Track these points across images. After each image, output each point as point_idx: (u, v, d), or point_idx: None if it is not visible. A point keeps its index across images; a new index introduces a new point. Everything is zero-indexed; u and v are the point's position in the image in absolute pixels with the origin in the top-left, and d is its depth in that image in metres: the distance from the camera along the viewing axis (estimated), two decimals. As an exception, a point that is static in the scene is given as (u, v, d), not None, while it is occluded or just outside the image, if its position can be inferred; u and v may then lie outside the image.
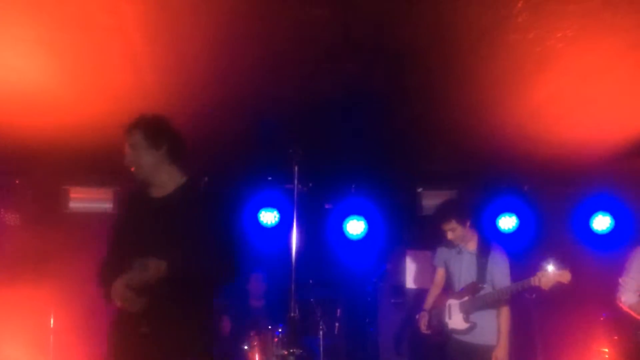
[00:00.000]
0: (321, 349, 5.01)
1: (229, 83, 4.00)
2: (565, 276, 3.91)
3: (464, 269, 4.44)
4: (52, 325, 5.64)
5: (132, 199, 3.01)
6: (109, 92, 4.11)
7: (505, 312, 4.25)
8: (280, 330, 4.91)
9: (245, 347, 4.98)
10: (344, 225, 6.36)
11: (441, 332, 4.51)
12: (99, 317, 5.66)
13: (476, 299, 4.31)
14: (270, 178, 6.07)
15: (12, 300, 5.27)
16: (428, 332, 4.60)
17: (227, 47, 3.48)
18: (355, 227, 6.34)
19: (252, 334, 4.98)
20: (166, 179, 2.84)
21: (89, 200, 6.17)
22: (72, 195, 6.07)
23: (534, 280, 3.97)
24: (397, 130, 4.94)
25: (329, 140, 5.09)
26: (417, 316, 4.72)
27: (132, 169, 2.83)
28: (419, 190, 6.16)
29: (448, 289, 4.60)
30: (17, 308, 5.27)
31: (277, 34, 3.33)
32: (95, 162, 5.55)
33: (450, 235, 4.40)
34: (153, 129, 2.84)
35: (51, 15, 3.07)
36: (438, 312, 4.57)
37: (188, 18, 3.15)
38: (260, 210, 6.30)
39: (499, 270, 4.27)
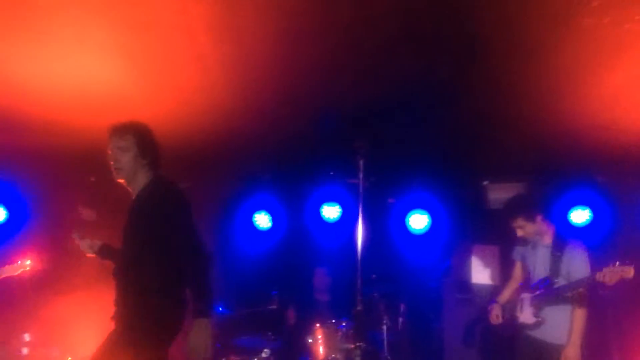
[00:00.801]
0: (385, 343, 4.99)
1: (292, 79, 4.03)
2: (628, 272, 3.73)
3: (539, 263, 4.31)
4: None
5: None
6: (176, 91, 4.23)
7: (579, 310, 4.08)
8: (344, 324, 4.92)
9: (310, 340, 5.03)
10: (406, 220, 6.29)
11: (512, 326, 4.41)
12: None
13: (547, 293, 4.17)
14: (332, 173, 6.08)
15: (88, 296, 5.52)
16: (498, 322, 4.51)
17: (289, 43, 3.51)
18: (418, 221, 6.26)
19: (316, 327, 5.02)
20: (142, 183, 3.14)
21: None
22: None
23: (599, 276, 3.80)
24: (462, 121, 4.82)
25: (392, 134, 5.03)
26: (488, 307, 4.63)
27: (114, 169, 3.11)
28: (485, 183, 6.00)
29: (524, 284, 4.50)
30: (94, 301, 5.51)
31: (338, 28, 3.32)
32: (165, 159, 5.73)
33: (520, 233, 4.30)
34: (144, 138, 3.13)
35: (123, 19, 3.19)
36: (511, 306, 4.50)
37: (251, 16, 3.19)
38: (323, 205, 6.33)
39: (576, 264, 4.10)
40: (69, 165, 5.79)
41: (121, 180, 3.15)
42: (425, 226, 6.24)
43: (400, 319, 5.29)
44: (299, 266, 6.17)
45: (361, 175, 3.04)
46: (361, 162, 3.05)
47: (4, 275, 4.29)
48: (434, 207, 6.25)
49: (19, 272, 4.39)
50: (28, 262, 4.48)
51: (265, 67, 3.85)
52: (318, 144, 5.38)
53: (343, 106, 4.46)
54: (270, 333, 5.26)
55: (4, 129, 4.86)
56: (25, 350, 5.20)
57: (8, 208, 6.07)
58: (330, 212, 6.31)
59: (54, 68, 3.80)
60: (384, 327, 5.01)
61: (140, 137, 3.11)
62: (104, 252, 3.39)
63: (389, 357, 4.94)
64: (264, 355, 5.10)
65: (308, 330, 5.12)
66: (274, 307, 5.43)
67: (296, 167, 6.12)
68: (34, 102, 4.30)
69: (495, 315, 4.55)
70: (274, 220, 6.48)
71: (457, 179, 6.16)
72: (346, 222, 6.23)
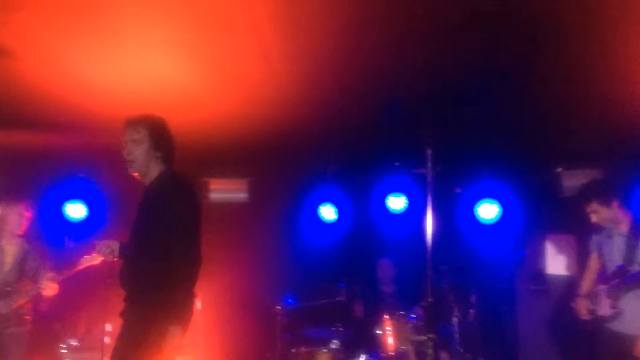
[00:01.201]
0: (457, 335, 4.90)
1: (356, 70, 4.01)
2: None
3: (615, 252, 4.11)
4: (199, 307, 6.06)
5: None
6: (241, 86, 4.31)
7: None
8: (413, 315, 4.87)
9: (379, 332, 5.01)
10: (475, 210, 6.15)
11: (591, 320, 4.22)
12: (238, 298, 6.10)
13: (624, 282, 3.96)
14: (397, 164, 6.02)
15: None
16: (588, 317, 4.29)
17: (352, 34, 3.48)
18: (488, 210, 6.10)
19: (385, 318, 5.00)
20: (154, 175, 3.10)
21: (226, 190, 6.55)
22: (212, 186, 6.46)
23: None
24: (534, 107, 4.64)
25: (460, 122, 4.92)
26: (572, 304, 4.43)
27: (127, 162, 3.09)
28: (559, 170, 5.77)
29: (601, 274, 4.29)
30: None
31: (401, 14, 3.26)
32: (231, 154, 5.87)
33: (594, 218, 4.11)
34: (158, 131, 3.10)
35: (190, 18, 3.27)
36: (589, 298, 4.28)
37: (315, 9, 3.19)
38: (388, 196, 6.28)
39: None
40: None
41: (135, 174, 3.14)
42: (496, 216, 6.07)
43: (472, 311, 5.18)
44: (365, 258, 6.17)
45: (429, 165, 2.98)
46: (429, 151, 3.00)
47: (84, 265, 4.52)
48: (504, 196, 6.07)
49: (97, 261, 4.62)
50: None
51: (329, 59, 3.84)
52: (383, 135, 5.33)
53: (409, 95, 4.40)
54: (338, 324, 5.28)
55: (82, 130, 5.11)
56: (107, 339, 5.46)
57: (88, 205, 6.39)
58: (396, 203, 6.25)
59: (125, 68, 3.95)
60: (455, 319, 4.92)
61: (154, 129, 3.09)
62: (125, 250, 3.21)
63: (461, 350, 4.85)
64: (332, 346, 5.14)
65: (376, 321, 5.11)
66: (342, 298, 5.45)
67: (361, 159, 6.10)
68: (108, 103, 4.49)
69: (584, 310, 4.28)
70: (339, 212, 6.49)
71: (528, 166, 5.95)
72: (412, 213, 6.16)
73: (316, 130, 5.23)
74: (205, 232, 6.00)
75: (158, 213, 2.95)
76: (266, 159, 6.10)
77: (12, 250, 4.46)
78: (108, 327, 5.59)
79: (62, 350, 5.21)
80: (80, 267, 4.50)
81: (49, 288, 4.35)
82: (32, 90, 4.20)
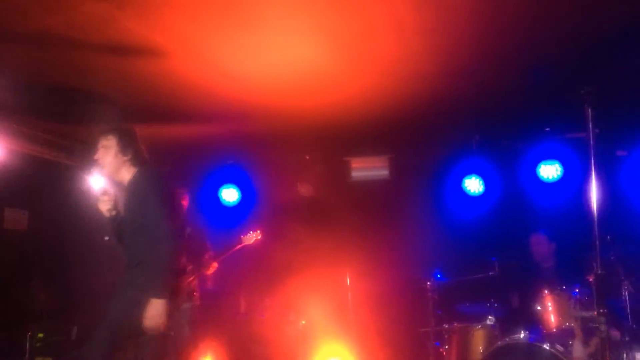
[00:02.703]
0: (628, 311, 4.47)
1: (496, 37, 3.78)
2: None
3: None
4: (348, 284, 6.21)
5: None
6: (377, 64, 4.27)
7: None
8: (577, 290, 4.53)
9: (539, 308, 4.74)
10: (644, 174, 5.55)
11: None
12: (388, 275, 6.13)
13: None
14: (548, 129, 5.61)
15: (314, 264, 5.94)
16: None
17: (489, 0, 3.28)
18: (657, 173, 5.47)
19: (544, 294, 4.71)
20: (125, 177, 3.43)
21: (368, 169, 6.59)
22: (354, 165, 6.54)
23: None
24: None
25: (620, 77, 4.44)
26: None
27: (99, 165, 3.44)
28: None
29: None
30: (319, 269, 5.91)
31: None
32: (371, 132, 5.88)
33: None
34: (126, 138, 3.42)
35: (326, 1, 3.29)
36: None
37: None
38: (540, 164, 5.89)
39: None
40: (287, 145, 6.25)
41: (106, 175, 3.51)
42: (667, 179, 5.43)
43: (643, 284, 4.69)
44: (516, 231, 5.84)
45: (591, 125, 2.71)
46: (589, 112, 2.71)
47: (241, 245, 4.82)
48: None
49: (252, 241, 4.90)
50: (258, 232, 4.96)
51: (466, 29, 3.67)
52: (531, 100, 4.99)
53: (561, 54, 4.05)
54: (493, 300, 5.09)
55: (231, 119, 5.42)
56: (266, 315, 5.81)
57: (240, 189, 6.80)
58: (549, 171, 5.84)
59: (266, 56, 4.09)
60: (625, 294, 4.49)
61: (121, 137, 3.42)
62: None
63: (633, 326, 4.43)
64: (488, 322, 4.97)
65: (534, 297, 4.83)
66: (495, 273, 5.23)
67: (507, 127, 5.77)
68: (252, 90, 4.70)
69: None
70: (486, 184, 6.22)
71: None
72: (568, 181, 5.71)
73: (456, 101, 5.04)
74: (349, 210, 6.19)
75: (141, 205, 3.31)
76: (406, 134, 6.02)
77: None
78: (266, 303, 5.97)
79: (229, 325, 5.63)
80: (237, 247, 4.81)
81: (211, 267, 4.70)
82: (183, 84, 4.52)
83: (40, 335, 5.46)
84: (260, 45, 3.89)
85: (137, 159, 3.45)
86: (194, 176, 6.68)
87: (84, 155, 5.85)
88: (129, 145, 3.42)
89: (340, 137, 6.02)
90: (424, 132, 6.00)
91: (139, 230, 3.29)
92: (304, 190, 6.65)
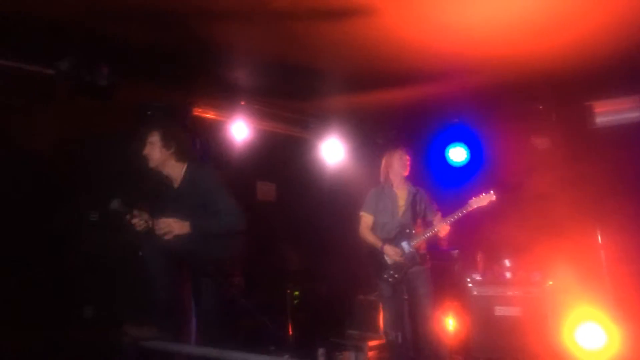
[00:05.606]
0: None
1: None
2: None
3: None
4: (600, 242, 5.61)
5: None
6: (608, 5, 3.73)
7: None
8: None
9: None
10: None
11: None
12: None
13: None
14: None
15: (557, 222, 5.49)
16: None
17: None
18: None
19: None
20: (170, 171, 3.84)
21: (614, 112, 5.83)
22: (597, 110, 5.83)
23: None
24: None
25: None
26: None
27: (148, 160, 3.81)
28: None
29: None
30: (564, 227, 5.44)
31: None
32: (615, 71, 5.14)
33: None
34: (168, 133, 3.80)
35: None
36: None
37: None
38: None
39: None
40: (514, 97, 5.85)
41: (153, 168, 3.84)
42: None
43: None
44: None
45: None
46: None
47: (473, 207, 4.64)
48: None
49: (486, 203, 4.67)
50: (492, 193, 4.72)
51: None
52: None
53: None
54: None
55: (454, 75, 5.22)
56: (508, 275, 5.58)
57: (469, 147, 6.59)
58: None
59: (486, 5, 3.83)
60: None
61: (164, 133, 3.79)
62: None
63: None
64: None
65: None
66: None
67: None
68: (475, 43, 4.46)
69: None
70: None
71: None
72: None
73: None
74: (593, 161, 5.53)
75: (203, 199, 3.67)
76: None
77: (402, 194, 4.90)
78: (507, 263, 5.72)
79: (468, 284, 5.56)
80: (470, 209, 4.65)
81: (442, 229, 4.64)
82: (400, 45, 4.44)
83: (296, 293, 6.09)
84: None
85: (182, 154, 3.81)
86: (420, 137, 6.67)
87: (317, 128, 6.28)
88: (171, 138, 3.79)
89: (579, 80, 5.38)
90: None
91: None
92: (540, 142, 6.16)
